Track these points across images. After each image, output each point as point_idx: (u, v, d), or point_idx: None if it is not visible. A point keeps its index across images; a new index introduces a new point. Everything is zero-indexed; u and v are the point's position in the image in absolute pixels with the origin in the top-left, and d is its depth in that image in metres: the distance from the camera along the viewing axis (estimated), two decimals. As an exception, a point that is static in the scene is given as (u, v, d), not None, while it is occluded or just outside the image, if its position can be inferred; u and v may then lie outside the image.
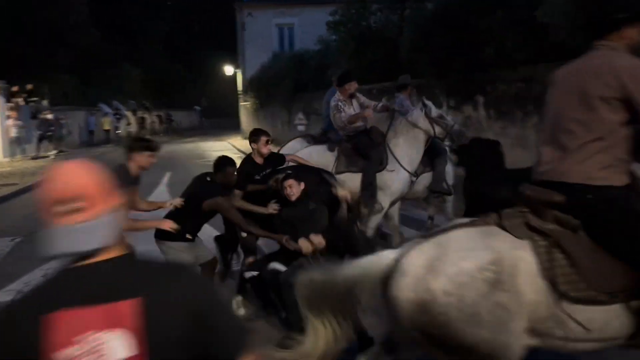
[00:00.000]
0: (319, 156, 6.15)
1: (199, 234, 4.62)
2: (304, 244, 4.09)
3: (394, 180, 5.93)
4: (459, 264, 2.38)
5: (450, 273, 2.36)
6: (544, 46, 9.43)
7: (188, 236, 4.28)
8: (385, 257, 2.66)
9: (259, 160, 5.12)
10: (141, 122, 29.98)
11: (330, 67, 19.01)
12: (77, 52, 25.03)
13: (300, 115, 18.85)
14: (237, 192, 4.89)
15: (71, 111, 22.64)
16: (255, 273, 4.27)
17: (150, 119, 32.60)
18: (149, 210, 4.66)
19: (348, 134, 6.30)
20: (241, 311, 4.52)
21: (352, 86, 6.29)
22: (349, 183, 5.94)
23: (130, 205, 4.03)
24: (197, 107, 43.00)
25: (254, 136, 5.10)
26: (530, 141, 10.43)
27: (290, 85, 21.62)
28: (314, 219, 4.26)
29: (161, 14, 37.85)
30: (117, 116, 25.91)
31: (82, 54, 25.40)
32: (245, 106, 29.85)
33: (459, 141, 6.14)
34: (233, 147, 23.45)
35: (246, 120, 30.25)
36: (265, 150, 5.05)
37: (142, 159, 4.20)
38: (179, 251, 4.23)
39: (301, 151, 6.40)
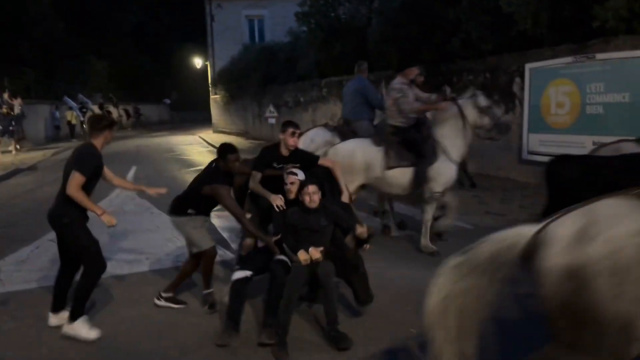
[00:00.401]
0: (365, 151, 6.03)
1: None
2: (302, 256, 3.97)
3: (444, 171, 5.89)
4: (613, 229, 2.31)
5: (603, 237, 2.29)
6: (509, 36, 9.50)
7: (190, 211, 4.53)
8: (523, 231, 2.56)
9: (284, 151, 4.91)
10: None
11: (299, 59, 18.93)
12: (40, 44, 24.24)
13: (271, 108, 18.65)
14: (255, 173, 4.84)
15: (34, 105, 21.92)
16: (247, 274, 4.07)
17: (117, 112, 31.89)
18: (126, 189, 5.04)
19: (398, 123, 6.08)
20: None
21: (413, 72, 6.22)
22: (400, 178, 5.93)
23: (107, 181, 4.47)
24: (167, 101, 42.24)
25: (282, 127, 4.92)
26: (497, 131, 10.52)
27: (260, 77, 21.43)
28: (320, 234, 4.14)
29: (129, 5, 36.94)
30: (83, 110, 25.20)
31: (45, 46, 24.62)
32: (215, 99, 29.46)
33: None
34: (203, 141, 23.12)
35: (217, 114, 29.89)
36: (291, 142, 4.83)
37: (106, 135, 4.22)
38: (184, 224, 4.56)
39: (342, 145, 6.27)
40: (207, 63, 29.86)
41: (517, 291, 2.83)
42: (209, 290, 4.64)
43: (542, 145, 9.23)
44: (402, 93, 5.96)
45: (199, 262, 4.67)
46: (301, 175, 4.41)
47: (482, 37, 9.94)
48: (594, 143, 8.31)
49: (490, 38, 9.83)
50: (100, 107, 28.04)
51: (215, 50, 28.50)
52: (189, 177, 12.45)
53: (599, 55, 8.13)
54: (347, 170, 5.63)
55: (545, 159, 9.33)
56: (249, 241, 4.86)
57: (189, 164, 15.25)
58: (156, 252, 6.33)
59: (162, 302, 4.66)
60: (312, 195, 4.11)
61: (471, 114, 5.88)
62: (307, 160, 4.98)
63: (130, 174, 13.06)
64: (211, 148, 20.23)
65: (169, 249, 6.45)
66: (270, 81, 21.21)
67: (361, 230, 4.30)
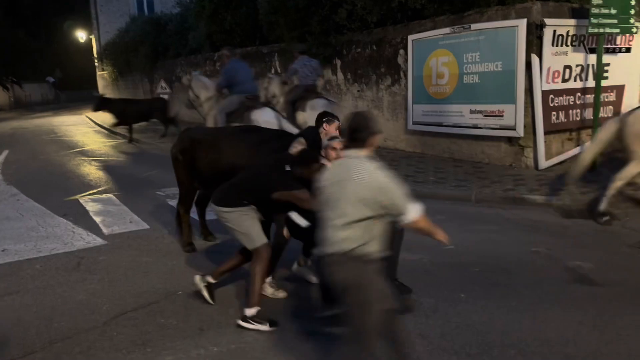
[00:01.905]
0: None
1: None
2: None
3: None
4: None
5: None
6: (391, 7, 9.57)
7: (245, 201, 3.81)
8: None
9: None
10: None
11: (190, 31, 18.07)
12: None
13: (163, 83, 17.66)
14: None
15: None
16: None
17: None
18: None
19: None
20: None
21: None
22: None
23: None
24: (51, 79, 38.86)
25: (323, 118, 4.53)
26: (385, 102, 10.70)
27: (149, 51, 20.24)
28: None
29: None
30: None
31: None
32: (103, 76, 27.55)
33: None
34: (90, 121, 21.56)
35: (105, 92, 27.94)
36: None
37: None
38: (239, 216, 3.80)
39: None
40: (92, 37, 27.77)
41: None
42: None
43: (425, 115, 9.48)
44: None
45: (245, 259, 4.02)
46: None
47: (365, 7, 9.94)
48: (471, 111, 8.68)
49: (374, 9, 9.85)
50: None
51: (100, 23, 26.58)
52: (67, 159, 11.69)
53: (474, 26, 8.41)
54: None
55: (428, 128, 9.68)
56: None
57: (70, 145, 14.14)
58: (15, 241, 5.71)
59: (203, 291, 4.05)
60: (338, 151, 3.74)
61: None
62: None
63: (1, 158, 11.85)
64: (98, 128, 18.94)
65: (30, 237, 5.85)
66: (160, 55, 20.12)
67: None
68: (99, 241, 5.63)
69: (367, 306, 2.59)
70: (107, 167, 10.50)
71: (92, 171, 10.07)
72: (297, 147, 4.11)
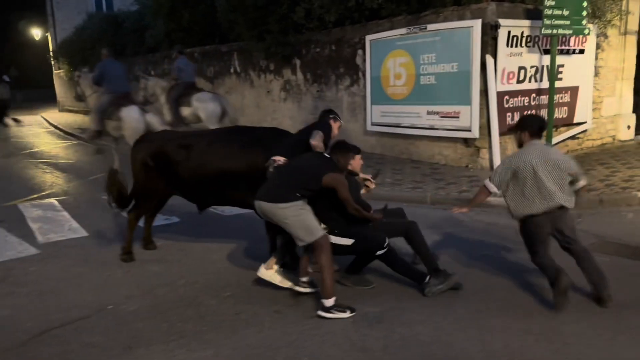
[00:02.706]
0: None
1: None
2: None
3: None
4: None
5: None
6: (349, 7, 9.43)
7: (298, 194, 3.85)
8: None
9: None
10: None
11: (148, 29, 17.58)
12: None
13: (120, 83, 17.11)
14: None
15: None
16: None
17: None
18: None
19: None
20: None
21: None
22: None
23: None
24: (6, 78, 37.35)
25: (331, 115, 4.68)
26: (344, 103, 10.56)
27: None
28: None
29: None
30: None
31: None
32: (59, 74, 26.62)
33: None
34: (45, 121, 20.81)
35: (62, 91, 27.04)
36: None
37: None
38: (295, 210, 3.80)
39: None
40: (48, 34, 26.83)
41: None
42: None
43: (383, 116, 9.38)
44: None
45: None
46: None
47: (323, 6, 9.77)
48: (428, 112, 8.61)
49: (331, 8, 9.69)
50: None
51: (56, 20, 25.66)
52: (13, 162, 11.10)
53: (430, 26, 8.34)
54: None
55: (386, 129, 9.59)
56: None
57: (19, 147, 13.52)
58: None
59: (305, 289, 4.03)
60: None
61: None
62: None
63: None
64: (52, 129, 18.26)
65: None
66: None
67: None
68: (31, 250, 5.28)
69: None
70: (55, 170, 10.04)
71: (38, 174, 9.61)
72: (317, 137, 4.20)
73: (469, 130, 8.02)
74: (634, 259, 4.73)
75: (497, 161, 7.96)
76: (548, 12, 7.38)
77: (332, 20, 9.94)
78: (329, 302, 3.72)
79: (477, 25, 7.70)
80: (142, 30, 17.84)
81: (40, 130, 17.84)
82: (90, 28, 21.00)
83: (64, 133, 16.11)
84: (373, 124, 9.65)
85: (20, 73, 38.11)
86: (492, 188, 3.99)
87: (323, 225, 3.96)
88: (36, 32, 27.78)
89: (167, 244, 5.39)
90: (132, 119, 7.96)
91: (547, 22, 7.40)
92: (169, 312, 3.85)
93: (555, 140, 8.50)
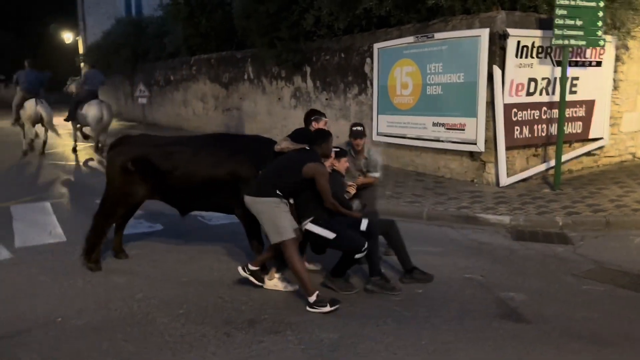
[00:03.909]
0: None
1: None
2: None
3: None
4: None
5: None
6: (357, 15, 9.19)
7: (278, 192, 4.08)
8: None
9: None
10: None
11: (168, 34, 17.71)
12: None
13: (142, 87, 17.24)
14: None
15: None
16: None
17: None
18: None
19: None
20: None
21: None
22: None
23: None
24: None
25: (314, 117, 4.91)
26: (352, 112, 10.30)
27: (129, 53, 19.88)
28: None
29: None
30: None
31: None
32: (87, 78, 27.15)
33: None
34: (67, 123, 21.09)
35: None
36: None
37: None
38: (271, 206, 4.07)
39: None
40: (78, 39, 27.44)
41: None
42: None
43: (390, 126, 9.09)
44: None
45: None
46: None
47: (332, 13, 9.56)
48: (434, 124, 8.28)
49: (340, 15, 9.47)
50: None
51: (87, 25, 26.24)
52: (26, 161, 11.24)
53: (438, 35, 8.03)
54: None
55: (392, 140, 9.27)
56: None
57: (39, 147, 13.66)
58: None
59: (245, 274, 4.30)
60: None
61: None
62: None
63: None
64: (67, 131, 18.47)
65: None
66: (141, 58, 19.77)
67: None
68: (4, 255, 5.19)
69: None
70: (62, 172, 10.08)
71: (43, 175, 9.66)
72: (282, 142, 4.42)
73: (474, 144, 7.66)
74: (630, 288, 4.31)
75: (502, 177, 7.58)
76: (559, 21, 7.00)
77: (341, 28, 9.73)
78: (311, 298, 3.94)
79: (484, 34, 7.37)
80: (163, 35, 17.99)
81: (63, 132, 18.06)
82: (115, 33, 21.34)
83: (83, 137, 16.24)
84: (379, 134, 9.36)
85: (53, 75, 39.20)
86: None
87: (311, 217, 4.16)
88: (67, 36, 28.40)
89: (141, 253, 5.22)
90: (29, 108, 11.68)
91: (557, 32, 7.02)
92: (115, 329, 3.65)
93: (568, 156, 8.07)
